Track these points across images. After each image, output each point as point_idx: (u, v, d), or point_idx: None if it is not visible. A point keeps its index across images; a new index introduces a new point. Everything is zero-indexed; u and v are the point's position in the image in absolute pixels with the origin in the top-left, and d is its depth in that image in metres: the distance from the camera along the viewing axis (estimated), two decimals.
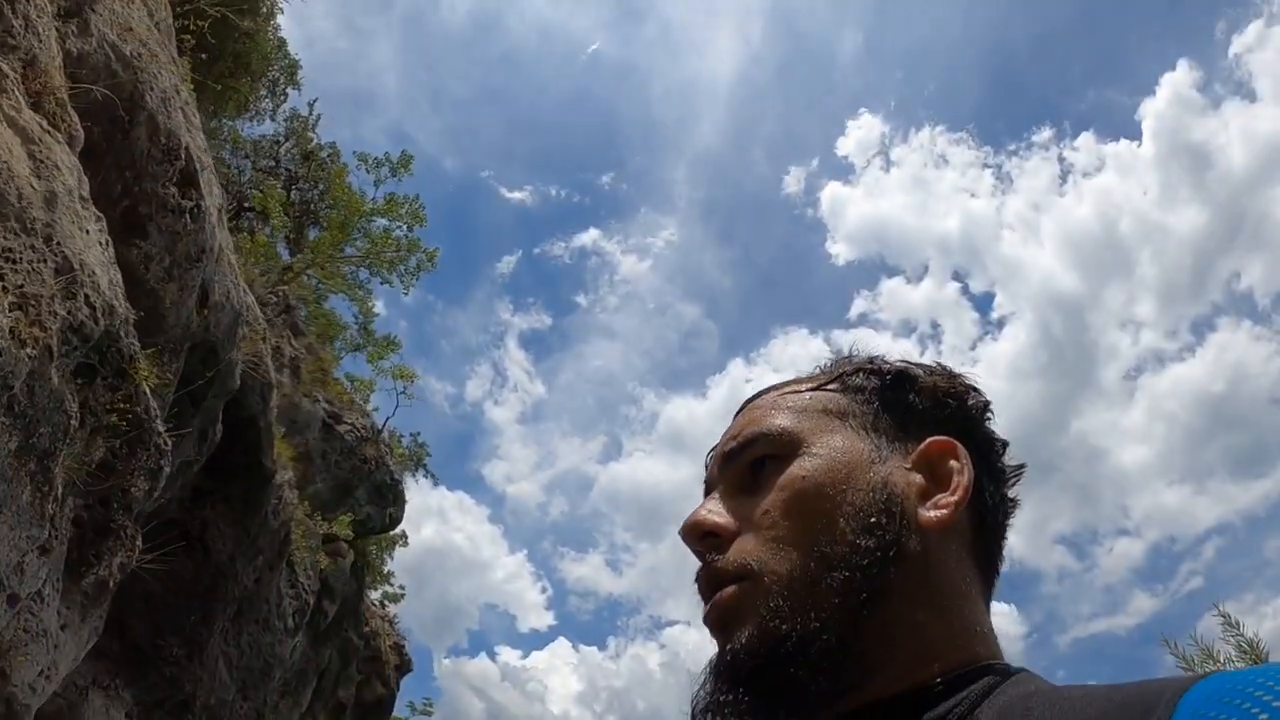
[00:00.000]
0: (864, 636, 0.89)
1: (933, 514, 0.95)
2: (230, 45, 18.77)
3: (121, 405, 5.31)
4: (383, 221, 22.96)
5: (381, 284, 23.86)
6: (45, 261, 4.37)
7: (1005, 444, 1.08)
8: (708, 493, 1.08)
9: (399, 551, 25.55)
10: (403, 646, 20.72)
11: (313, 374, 16.41)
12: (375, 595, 22.96)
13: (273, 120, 25.99)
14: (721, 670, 0.93)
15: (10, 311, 4.04)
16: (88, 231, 4.89)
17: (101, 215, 5.18)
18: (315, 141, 25.80)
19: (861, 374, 1.08)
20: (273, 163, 25.25)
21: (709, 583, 0.97)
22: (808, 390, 1.08)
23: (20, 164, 4.42)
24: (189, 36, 10.13)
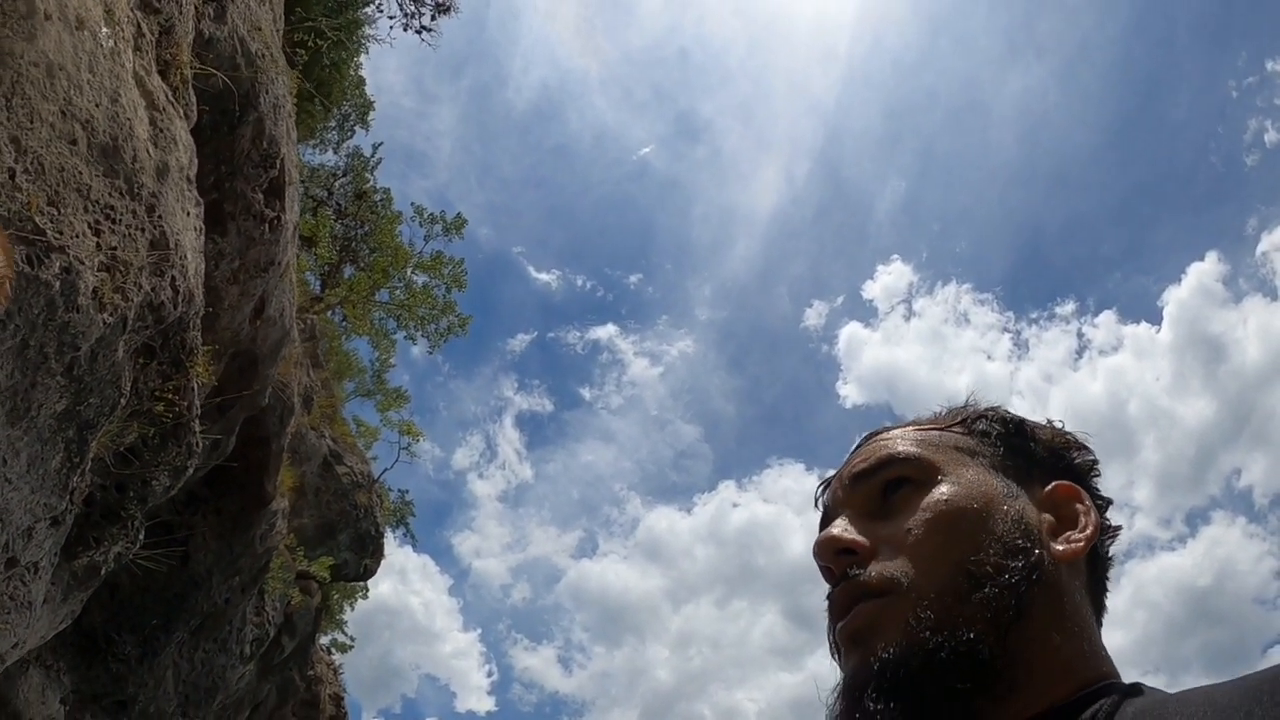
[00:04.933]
0: (1010, 652, 0.92)
1: (1065, 547, 1.01)
2: (316, 70, 18.97)
3: (169, 396, 5.13)
4: (423, 277, 22.96)
5: (406, 338, 23.83)
6: (143, 231, 4.22)
7: (1110, 501, 1.12)
8: (828, 519, 1.11)
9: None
10: (342, 698, 20.22)
11: (324, 409, 16.23)
12: (325, 640, 22.53)
13: (335, 153, 26.23)
14: (868, 680, 0.93)
15: (98, 271, 3.88)
16: (188, 213, 4.76)
17: (201, 200, 5.05)
18: (371, 183, 25.97)
19: (985, 420, 1.14)
20: (325, 193, 25.36)
21: (849, 596, 1.00)
22: (935, 429, 1.13)
23: (141, 127, 4.31)
24: (303, 52, 10.10)
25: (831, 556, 1.03)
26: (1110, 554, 1.10)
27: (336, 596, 21.50)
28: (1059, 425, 1.16)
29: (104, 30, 4.14)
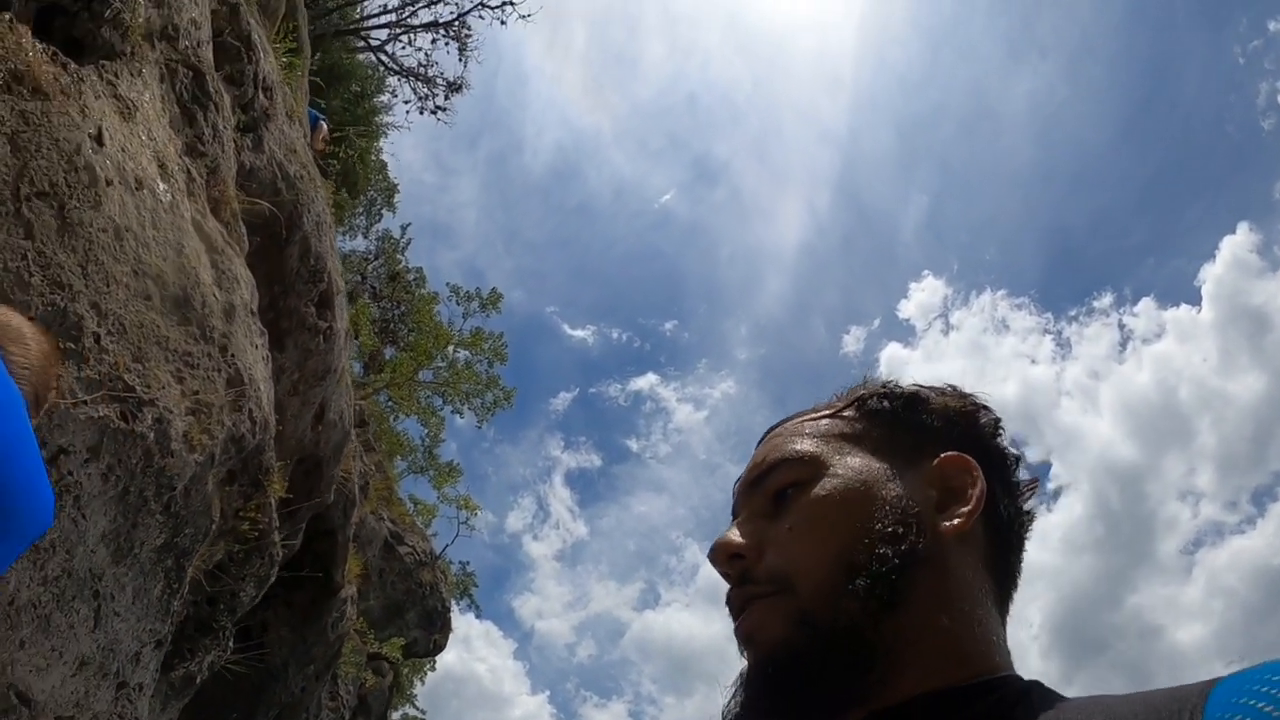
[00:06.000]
0: (889, 636, 0.95)
1: (949, 524, 1.01)
2: (340, 160, 19.39)
3: (253, 514, 5.44)
4: (465, 354, 23.28)
5: (453, 413, 24.10)
6: (220, 371, 4.55)
7: (1018, 458, 1.13)
8: (734, 520, 1.14)
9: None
10: None
11: (380, 492, 16.49)
12: (396, 716, 22.68)
13: (365, 238, 26.71)
14: (754, 677, 1.00)
15: (185, 416, 4.20)
16: (256, 346, 5.09)
17: (265, 330, 5.38)
18: (403, 264, 26.36)
19: (877, 398, 1.15)
20: (359, 278, 25.75)
21: (741, 598, 1.05)
22: (826, 417, 1.15)
23: (205, 272, 4.63)
24: (335, 163, 10.45)
25: (724, 561, 1.08)
26: (1027, 510, 1.11)
27: (406, 671, 21.66)
28: (955, 389, 1.17)
29: (161, 186, 4.47)
